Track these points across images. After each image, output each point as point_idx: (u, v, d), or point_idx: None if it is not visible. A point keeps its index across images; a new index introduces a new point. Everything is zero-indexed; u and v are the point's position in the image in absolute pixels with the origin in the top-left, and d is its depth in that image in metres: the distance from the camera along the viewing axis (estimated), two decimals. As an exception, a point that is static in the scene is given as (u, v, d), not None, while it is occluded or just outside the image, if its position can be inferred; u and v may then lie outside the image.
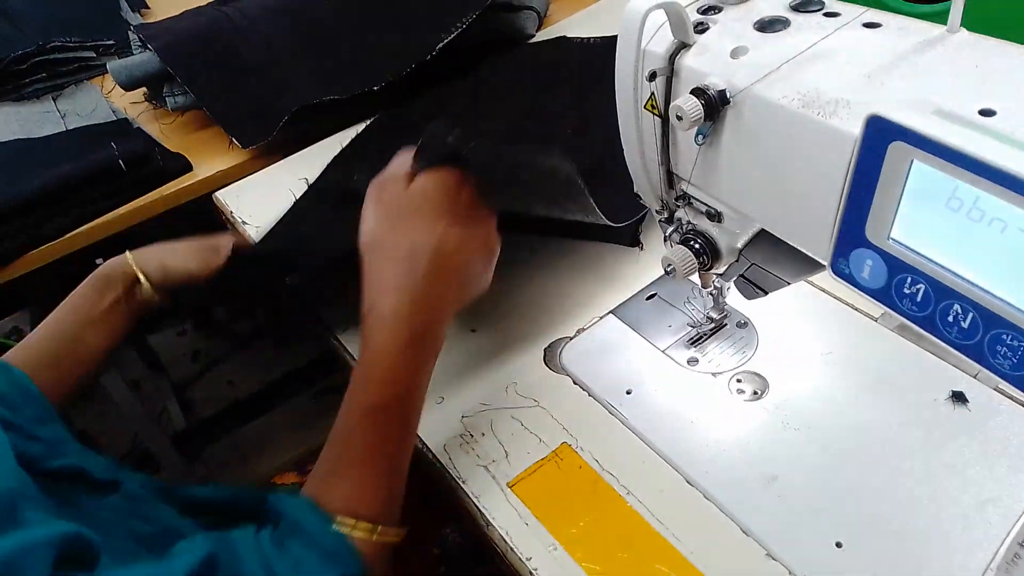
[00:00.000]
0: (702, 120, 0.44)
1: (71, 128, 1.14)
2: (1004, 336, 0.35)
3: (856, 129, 0.37)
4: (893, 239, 0.38)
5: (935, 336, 0.38)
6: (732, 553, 0.54)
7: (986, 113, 0.35)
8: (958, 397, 0.54)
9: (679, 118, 0.44)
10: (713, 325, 0.68)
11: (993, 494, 0.53)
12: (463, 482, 0.61)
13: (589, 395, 0.66)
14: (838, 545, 0.53)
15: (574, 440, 0.62)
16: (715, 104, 0.43)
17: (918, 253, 0.37)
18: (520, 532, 0.57)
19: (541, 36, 1.21)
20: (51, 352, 0.67)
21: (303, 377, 1.62)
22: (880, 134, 0.36)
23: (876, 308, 0.66)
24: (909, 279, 0.38)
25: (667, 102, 0.48)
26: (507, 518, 0.58)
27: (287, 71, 1.05)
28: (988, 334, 0.36)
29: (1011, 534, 0.51)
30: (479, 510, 0.59)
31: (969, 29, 0.40)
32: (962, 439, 0.57)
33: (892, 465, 0.56)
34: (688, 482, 0.58)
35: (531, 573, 0.54)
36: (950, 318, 0.37)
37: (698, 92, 0.44)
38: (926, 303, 0.38)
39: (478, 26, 1.08)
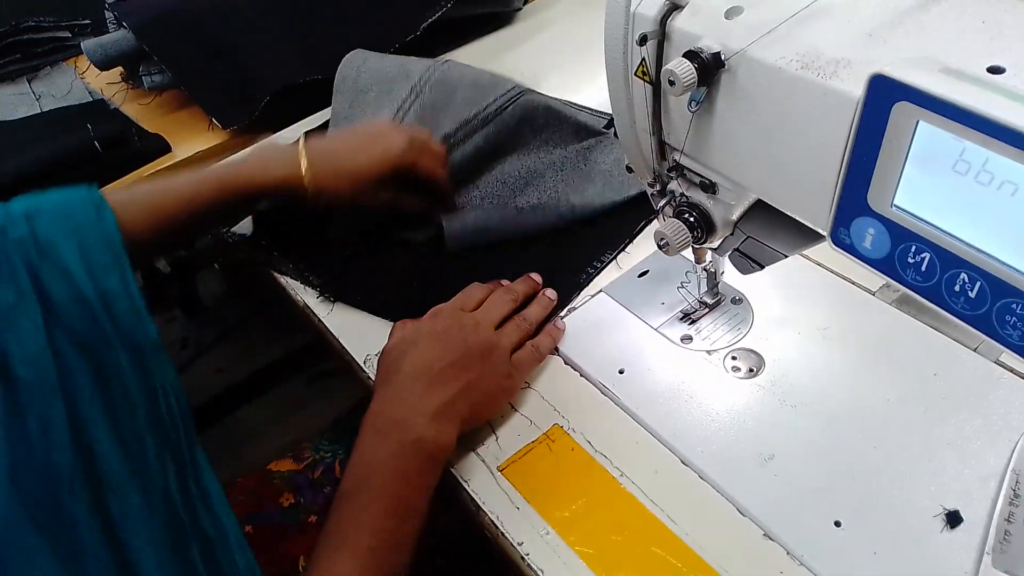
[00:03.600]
0: (695, 85, 0.42)
1: (46, 110, 1.11)
2: (1014, 305, 0.33)
3: (858, 90, 0.35)
4: (896, 206, 0.36)
5: (941, 307, 0.37)
6: (729, 534, 0.53)
7: (994, 71, 0.33)
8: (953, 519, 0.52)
9: (671, 83, 0.42)
10: (708, 302, 0.66)
11: (995, 469, 0.52)
12: (452, 466, 0.59)
13: (580, 375, 0.64)
14: (837, 524, 0.52)
15: (566, 421, 0.61)
16: (709, 67, 0.42)
17: (923, 220, 0.36)
18: (511, 516, 0.55)
19: (528, 9, 1.19)
20: (151, 200, 0.69)
21: (295, 362, 1.60)
22: (883, 94, 0.34)
23: (873, 281, 0.66)
24: (913, 248, 0.36)
25: (658, 68, 0.46)
26: (498, 502, 0.56)
27: (268, 50, 1.02)
28: (997, 303, 0.34)
29: (995, 513, 0.49)
30: (469, 495, 0.57)
31: (974, -15, 0.38)
32: (963, 413, 0.56)
33: (891, 441, 0.55)
34: (683, 462, 0.57)
35: (523, 558, 0.53)
36: (956, 287, 0.36)
37: (691, 55, 0.42)
38: (931, 272, 0.36)
39: (462, 1, 1.06)
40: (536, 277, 0.71)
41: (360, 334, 0.71)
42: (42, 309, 0.52)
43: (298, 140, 0.73)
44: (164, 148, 0.98)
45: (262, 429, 1.62)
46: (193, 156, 0.98)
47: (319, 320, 0.74)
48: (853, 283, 0.66)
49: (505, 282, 0.70)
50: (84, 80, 1.17)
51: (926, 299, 0.37)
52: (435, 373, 0.59)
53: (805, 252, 0.68)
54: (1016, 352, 0.35)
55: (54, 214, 0.57)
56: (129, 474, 0.49)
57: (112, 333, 0.54)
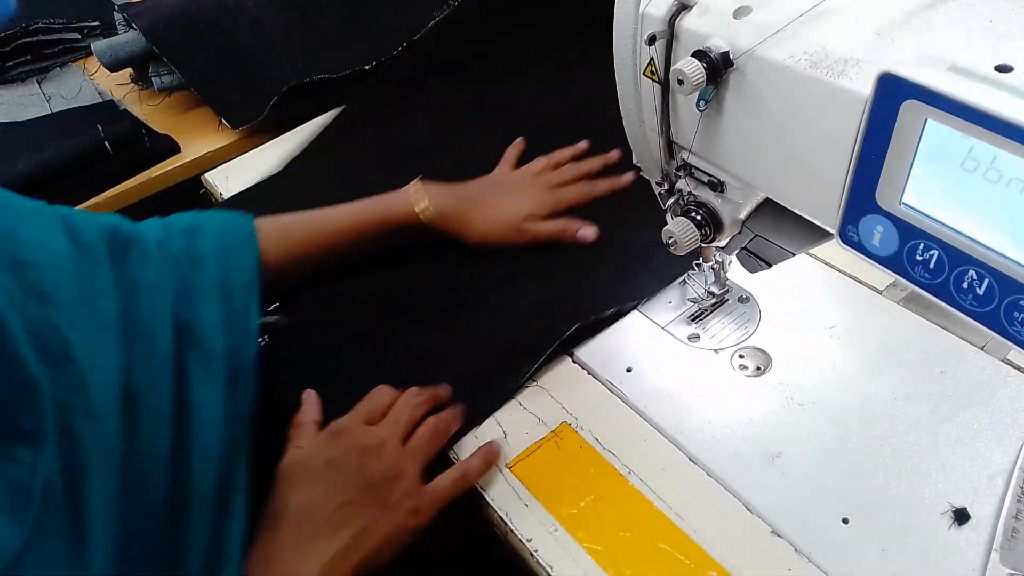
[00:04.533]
0: (704, 84, 0.42)
1: (56, 111, 1.12)
2: (1022, 302, 0.34)
3: (867, 89, 0.36)
4: (905, 204, 0.37)
5: (949, 304, 0.37)
6: (736, 531, 0.53)
7: (1003, 69, 0.33)
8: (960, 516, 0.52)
9: (680, 82, 0.42)
10: (714, 300, 0.66)
11: (1003, 466, 0.52)
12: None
13: (589, 374, 0.64)
14: (844, 521, 0.52)
15: (574, 419, 0.61)
16: (718, 67, 0.42)
17: (931, 218, 0.36)
18: (520, 513, 0.56)
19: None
20: (291, 226, 0.71)
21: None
22: (892, 93, 0.34)
23: (880, 280, 0.66)
24: (922, 245, 0.37)
25: (667, 67, 0.46)
26: (507, 499, 0.57)
27: (276, 50, 1.03)
28: (1005, 300, 0.34)
29: (1003, 511, 0.50)
30: (478, 492, 0.57)
31: (982, -16, 0.39)
32: (970, 411, 0.56)
33: (899, 439, 0.55)
34: (691, 460, 0.57)
35: (532, 554, 0.53)
36: (965, 285, 0.36)
37: (700, 55, 0.42)
38: (939, 270, 0.36)
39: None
40: (442, 392, 0.63)
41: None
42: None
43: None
44: (174, 148, 0.99)
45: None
46: (203, 156, 0.99)
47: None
48: (860, 282, 0.66)
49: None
50: (94, 81, 1.18)
51: (934, 296, 0.37)
52: (324, 518, 0.52)
53: (812, 251, 0.68)
54: (1024, 349, 0.35)
55: (212, 234, 0.63)
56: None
57: (219, 348, 0.58)
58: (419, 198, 0.73)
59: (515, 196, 0.76)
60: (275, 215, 0.71)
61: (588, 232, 0.74)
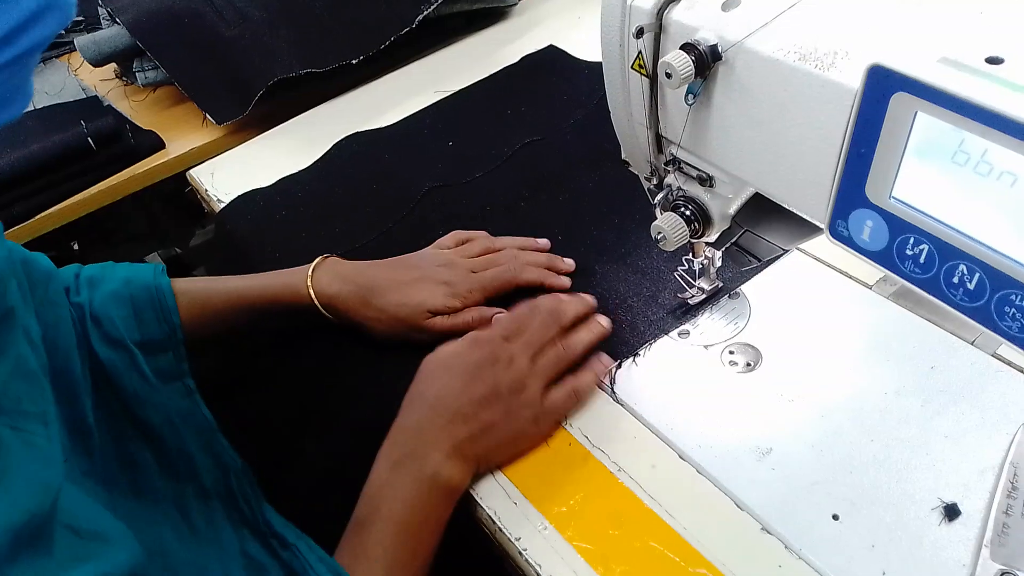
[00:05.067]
0: (692, 77, 0.42)
1: (40, 107, 1.10)
2: (1013, 297, 0.33)
3: (856, 81, 0.35)
4: (895, 198, 0.36)
5: (939, 299, 0.37)
6: (726, 528, 0.52)
7: (993, 61, 0.33)
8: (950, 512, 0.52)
9: (668, 76, 0.42)
10: (704, 296, 0.66)
11: (993, 461, 0.52)
12: (450, 462, 0.59)
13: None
14: (835, 517, 0.51)
15: (563, 417, 0.61)
16: (706, 60, 0.41)
17: (922, 212, 0.35)
18: (509, 512, 0.55)
19: (523, 5, 1.18)
20: (206, 295, 0.68)
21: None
22: (882, 85, 0.34)
23: (870, 275, 0.65)
24: (912, 239, 0.36)
25: (655, 61, 0.46)
26: (495, 498, 0.56)
27: (262, 44, 1.02)
28: (996, 295, 0.34)
29: (993, 507, 0.49)
30: (467, 490, 0.57)
31: (972, -25, 0.38)
32: (961, 406, 0.56)
33: (889, 434, 0.55)
34: (681, 457, 0.57)
35: (521, 553, 0.53)
36: (955, 279, 0.35)
37: (688, 48, 0.41)
38: (930, 264, 0.36)
39: (458, -5, 1.05)
40: (590, 299, 0.66)
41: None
42: (96, 373, 0.57)
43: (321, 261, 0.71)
44: (158, 144, 0.98)
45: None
46: (188, 152, 0.98)
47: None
48: (850, 277, 0.66)
49: (563, 296, 0.65)
50: (78, 77, 1.17)
51: (925, 291, 0.37)
52: (458, 408, 0.57)
53: (802, 246, 0.68)
54: (1016, 344, 0.35)
55: (115, 281, 0.62)
56: (194, 554, 0.53)
57: (173, 415, 0.60)
58: (314, 280, 0.68)
59: (423, 286, 0.68)
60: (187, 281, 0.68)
61: (501, 317, 0.67)
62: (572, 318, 0.63)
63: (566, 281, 0.71)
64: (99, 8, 1.12)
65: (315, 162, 0.92)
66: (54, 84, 1.16)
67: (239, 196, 0.89)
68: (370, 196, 0.86)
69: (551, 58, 1.04)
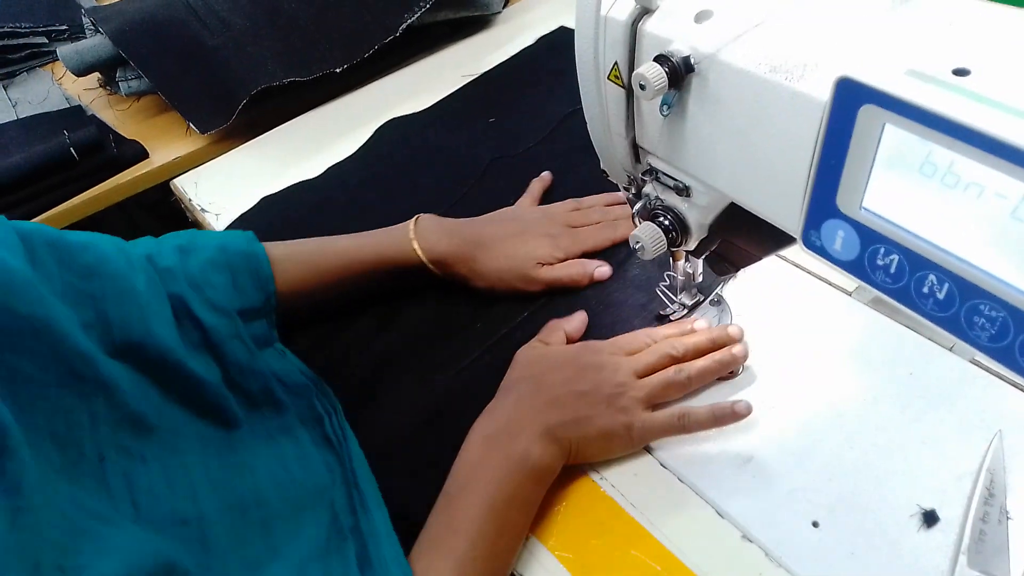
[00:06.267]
0: (666, 89, 0.42)
1: (22, 117, 1.09)
2: (981, 307, 0.34)
3: (826, 93, 0.35)
4: (865, 208, 0.36)
5: (910, 308, 0.37)
6: (708, 536, 0.53)
7: (960, 72, 0.33)
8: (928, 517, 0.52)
9: (642, 87, 0.42)
10: (687, 304, 0.66)
11: (971, 467, 0.52)
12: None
13: (560, 379, 0.64)
14: (815, 524, 0.52)
15: (545, 425, 0.61)
16: (679, 71, 0.41)
17: (891, 222, 0.36)
18: (491, 522, 0.55)
19: (508, 13, 1.19)
20: (319, 256, 0.68)
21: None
22: (850, 97, 0.34)
23: (850, 283, 0.66)
24: (882, 250, 0.36)
25: (631, 72, 0.46)
26: (477, 508, 0.56)
27: (246, 53, 1.01)
28: (965, 305, 0.34)
29: (970, 513, 0.50)
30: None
31: (941, -13, 0.39)
32: (939, 412, 0.56)
33: (868, 441, 0.55)
34: (662, 465, 0.57)
35: (502, 564, 0.53)
36: (925, 289, 0.36)
37: (661, 59, 0.42)
38: (900, 274, 0.36)
39: (441, 4, 1.05)
40: (735, 331, 0.61)
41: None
42: (197, 336, 0.56)
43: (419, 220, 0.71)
44: (141, 154, 0.98)
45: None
46: (172, 162, 0.97)
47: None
48: (830, 284, 0.66)
49: (702, 322, 0.64)
50: (61, 86, 1.16)
51: (896, 301, 0.37)
52: (556, 395, 0.57)
53: (782, 254, 0.69)
54: (985, 352, 0.35)
55: (209, 249, 0.61)
56: (291, 500, 0.53)
57: (272, 379, 0.60)
58: (419, 237, 0.69)
59: (528, 237, 0.71)
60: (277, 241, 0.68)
61: (604, 271, 0.70)
62: (692, 351, 0.61)
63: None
64: (83, 18, 1.11)
65: (358, 149, 0.94)
66: (38, 93, 1.15)
67: (280, 191, 0.89)
68: (429, 173, 0.89)
69: (568, 37, 1.06)
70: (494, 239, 0.70)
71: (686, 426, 0.57)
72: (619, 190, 0.57)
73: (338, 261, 0.68)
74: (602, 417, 0.56)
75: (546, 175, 0.83)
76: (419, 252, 0.68)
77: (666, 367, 0.59)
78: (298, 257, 0.67)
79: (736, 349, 0.60)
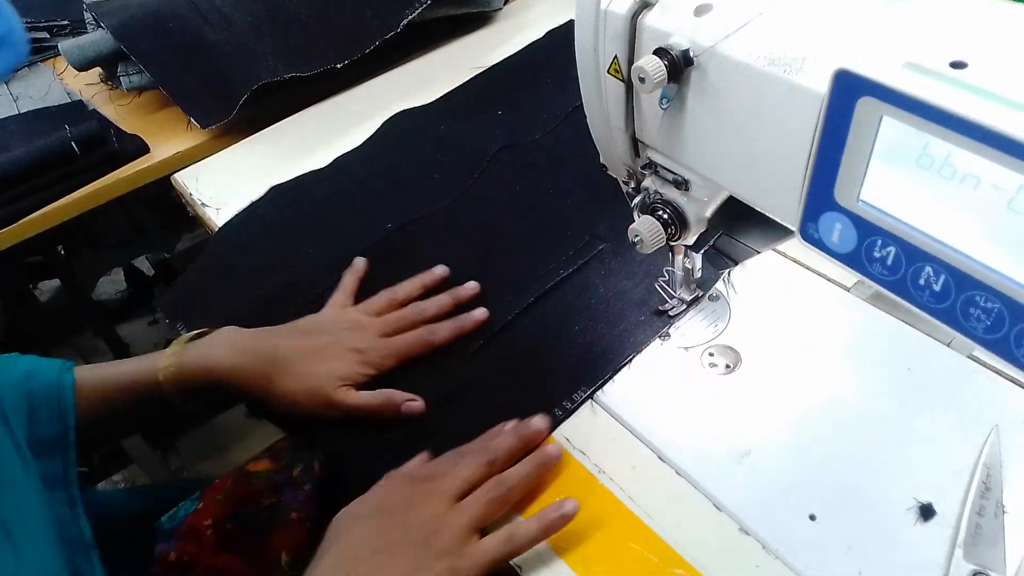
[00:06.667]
0: (665, 82, 0.42)
1: (24, 111, 1.10)
2: (978, 298, 0.34)
3: (823, 86, 0.35)
4: (863, 201, 0.37)
5: (907, 300, 0.37)
6: (705, 529, 0.53)
7: (957, 65, 0.33)
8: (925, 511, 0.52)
9: (641, 80, 0.42)
10: (686, 299, 0.66)
11: (968, 462, 0.53)
12: (431, 465, 0.59)
13: (559, 373, 0.64)
14: (812, 518, 0.52)
15: (544, 419, 0.61)
16: (678, 64, 0.42)
17: (888, 214, 0.36)
18: (489, 514, 0.55)
19: (508, 9, 1.19)
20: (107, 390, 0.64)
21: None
22: (848, 90, 0.34)
23: (848, 277, 0.66)
24: (879, 242, 0.37)
25: (630, 65, 0.46)
26: (476, 500, 0.56)
27: (247, 49, 1.02)
28: (961, 297, 0.34)
29: (966, 508, 0.50)
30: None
31: (939, -19, 0.39)
32: (937, 407, 0.56)
33: (866, 435, 0.56)
34: (660, 458, 0.57)
35: (500, 556, 0.53)
36: (922, 281, 0.36)
37: (661, 52, 0.42)
38: (897, 266, 0.37)
39: (442, 1, 1.06)
40: (539, 422, 0.57)
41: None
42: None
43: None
44: (142, 149, 0.98)
45: (243, 432, 1.62)
46: (172, 156, 0.98)
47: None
48: (828, 279, 0.66)
49: (509, 424, 0.58)
50: (63, 81, 1.16)
51: (893, 293, 0.37)
52: (360, 564, 0.50)
53: (781, 249, 0.69)
54: (982, 344, 0.35)
55: (16, 372, 0.59)
56: None
57: (45, 522, 0.53)
58: (206, 352, 0.63)
59: (331, 353, 0.63)
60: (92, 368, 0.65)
61: (414, 407, 0.61)
62: (505, 455, 0.56)
63: (480, 315, 0.67)
64: (85, 12, 1.12)
65: (366, 140, 0.95)
66: (39, 88, 1.16)
67: (291, 180, 0.89)
68: (436, 164, 0.89)
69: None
70: (294, 356, 0.63)
71: (516, 546, 0.51)
72: (618, 184, 0.57)
73: (121, 383, 0.64)
74: (418, 573, 0.49)
75: (359, 263, 0.75)
76: (160, 370, 0.63)
77: (484, 478, 0.54)
78: (90, 386, 0.63)
79: (550, 448, 0.56)
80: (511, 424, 0.58)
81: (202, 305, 0.78)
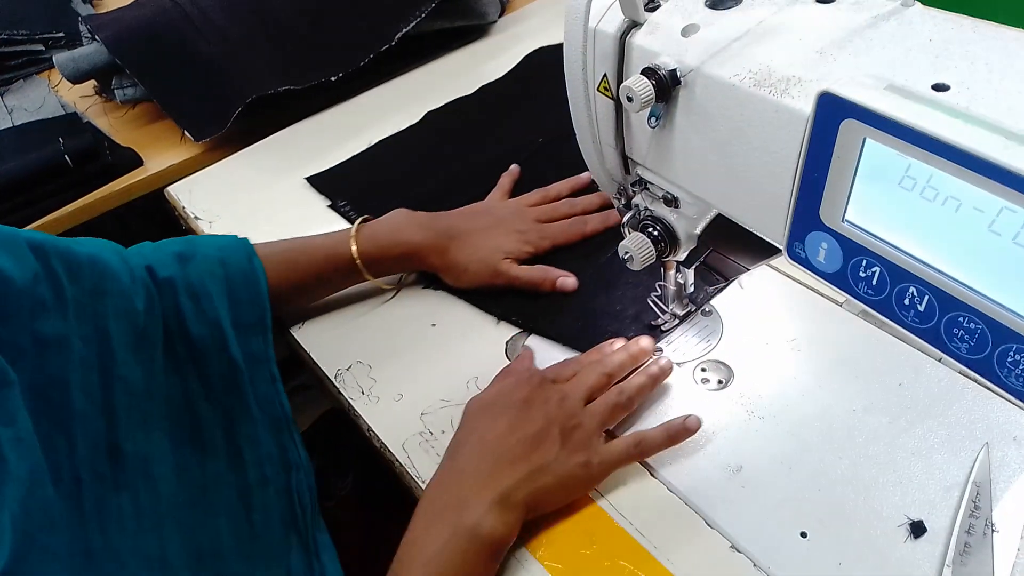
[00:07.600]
0: (653, 101, 0.42)
1: (18, 124, 1.10)
2: (960, 319, 0.34)
3: (808, 107, 0.36)
4: (848, 221, 0.37)
5: (892, 320, 0.37)
6: (696, 546, 0.53)
7: (939, 88, 0.33)
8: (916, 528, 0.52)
9: (629, 99, 0.42)
10: (678, 313, 0.66)
11: (958, 479, 0.53)
12: (423, 482, 0.59)
13: (551, 388, 0.64)
14: (803, 535, 0.52)
15: (535, 435, 0.61)
16: (666, 84, 0.42)
17: (872, 235, 0.36)
18: (479, 531, 0.55)
19: (504, 22, 1.19)
20: (289, 257, 0.69)
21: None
22: (832, 112, 0.35)
23: (840, 293, 0.66)
24: (864, 262, 0.37)
25: (619, 83, 0.46)
26: (466, 517, 0.56)
27: (241, 61, 1.02)
28: (944, 317, 0.34)
29: (956, 525, 0.50)
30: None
31: (924, 3, 0.39)
32: (927, 423, 0.56)
33: (857, 451, 0.56)
34: (651, 475, 0.57)
35: (491, 573, 0.53)
36: (906, 301, 0.36)
37: (648, 72, 0.42)
38: (882, 286, 0.37)
39: (437, 13, 1.06)
40: (646, 342, 0.62)
41: (330, 349, 0.71)
42: (184, 350, 0.56)
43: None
44: (136, 161, 0.98)
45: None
46: (166, 169, 0.98)
47: (291, 335, 0.74)
48: (820, 294, 0.67)
49: (618, 342, 0.63)
50: (57, 93, 1.16)
51: (878, 312, 0.38)
52: (504, 450, 0.54)
53: (773, 264, 0.69)
54: (965, 364, 0.35)
55: (209, 260, 0.62)
56: (247, 556, 0.52)
57: (252, 399, 0.59)
58: (357, 239, 0.70)
59: (498, 232, 0.73)
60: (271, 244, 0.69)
61: (568, 282, 0.70)
62: (619, 369, 0.60)
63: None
64: (80, 25, 1.12)
65: (402, 130, 0.98)
66: (33, 100, 1.16)
67: (329, 168, 0.93)
68: (479, 151, 0.93)
69: None
70: (466, 232, 0.73)
71: (644, 451, 0.56)
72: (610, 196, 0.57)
73: (312, 259, 0.70)
74: (558, 463, 0.54)
75: (514, 168, 0.85)
76: (354, 252, 0.70)
77: (605, 387, 0.59)
78: (277, 256, 0.68)
79: (663, 362, 0.61)
80: (620, 342, 0.63)
81: (355, 191, 0.89)
